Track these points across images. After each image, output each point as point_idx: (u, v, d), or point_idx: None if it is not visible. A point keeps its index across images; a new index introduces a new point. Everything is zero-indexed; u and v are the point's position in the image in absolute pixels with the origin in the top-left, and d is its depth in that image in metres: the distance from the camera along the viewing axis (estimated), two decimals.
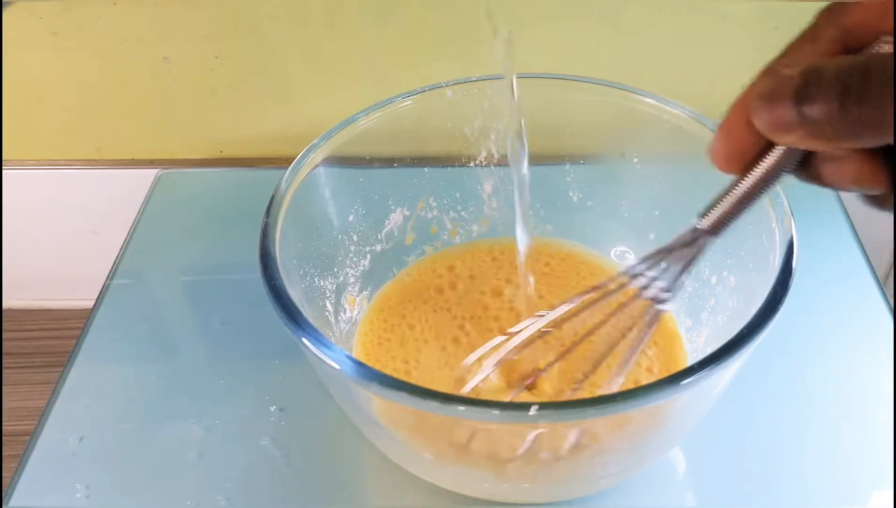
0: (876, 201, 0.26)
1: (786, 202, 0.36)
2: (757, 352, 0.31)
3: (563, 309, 0.35)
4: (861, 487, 0.39)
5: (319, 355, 0.31)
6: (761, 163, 0.26)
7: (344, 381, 0.32)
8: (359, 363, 0.31)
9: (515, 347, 0.36)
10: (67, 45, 0.56)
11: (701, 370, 0.29)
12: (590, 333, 0.36)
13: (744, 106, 0.25)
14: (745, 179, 0.27)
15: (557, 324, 0.35)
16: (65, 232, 0.65)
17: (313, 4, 0.54)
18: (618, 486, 0.38)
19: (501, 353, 0.36)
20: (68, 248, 0.66)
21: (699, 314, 0.42)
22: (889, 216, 0.58)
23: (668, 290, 0.31)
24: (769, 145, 0.25)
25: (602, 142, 0.46)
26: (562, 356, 0.37)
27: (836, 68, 0.22)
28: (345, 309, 0.44)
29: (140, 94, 0.59)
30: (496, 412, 0.29)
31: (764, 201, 0.37)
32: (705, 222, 0.29)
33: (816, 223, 0.52)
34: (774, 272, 0.33)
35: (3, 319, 0.66)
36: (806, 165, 0.26)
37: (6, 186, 0.63)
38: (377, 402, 0.33)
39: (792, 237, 0.34)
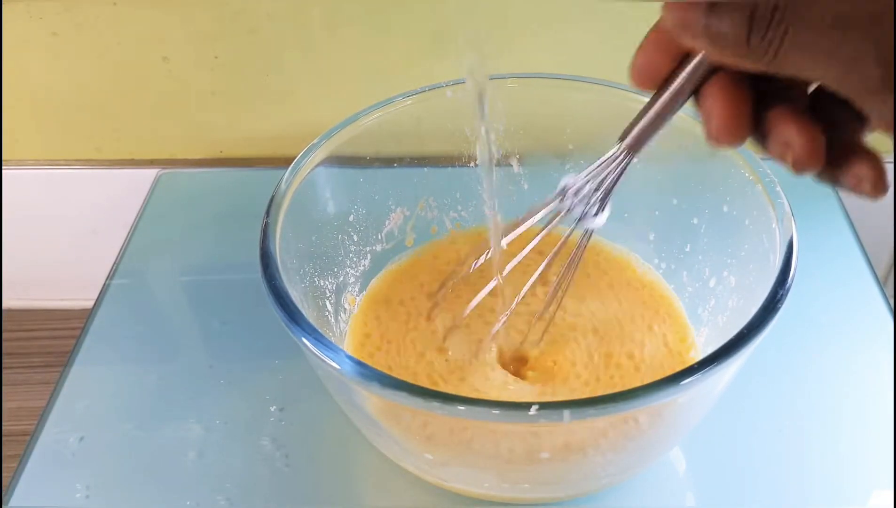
0: (819, 177, 0.27)
1: (786, 203, 0.36)
2: (757, 352, 0.31)
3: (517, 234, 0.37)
4: (861, 487, 0.39)
5: (319, 355, 0.31)
6: (670, 81, 0.28)
7: (344, 381, 0.32)
8: (359, 363, 0.31)
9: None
10: (67, 45, 0.56)
11: (701, 370, 0.29)
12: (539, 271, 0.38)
13: (659, 29, 0.27)
14: (658, 97, 0.29)
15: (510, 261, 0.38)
16: (65, 232, 0.65)
17: (313, 4, 0.54)
18: (618, 486, 0.38)
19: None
20: (68, 248, 0.66)
21: (699, 314, 0.42)
22: (889, 216, 0.58)
23: (598, 209, 0.34)
24: (679, 66, 0.27)
25: (602, 142, 0.46)
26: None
27: None
28: (345, 309, 0.44)
29: (140, 94, 0.59)
30: (496, 411, 0.29)
31: (764, 201, 0.37)
32: (626, 141, 0.31)
33: (816, 223, 0.52)
34: (774, 272, 0.33)
35: (3, 319, 0.66)
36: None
37: (6, 186, 0.63)
38: (377, 402, 0.33)
39: (792, 237, 0.34)
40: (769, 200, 0.37)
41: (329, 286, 0.42)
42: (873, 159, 0.26)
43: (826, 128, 0.26)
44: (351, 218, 0.44)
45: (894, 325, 0.46)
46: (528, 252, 0.38)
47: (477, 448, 0.34)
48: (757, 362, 0.34)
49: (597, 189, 0.33)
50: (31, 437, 0.42)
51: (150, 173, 0.60)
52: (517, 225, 0.37)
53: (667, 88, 0.28)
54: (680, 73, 0.27)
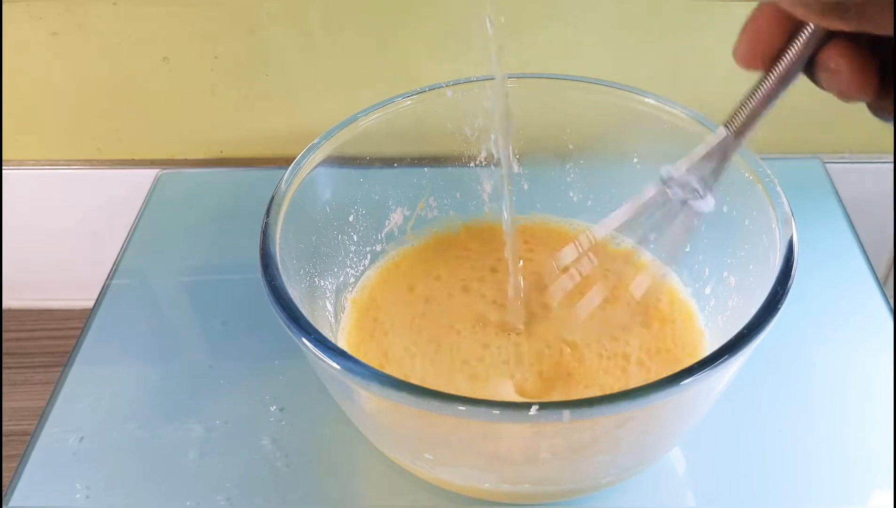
0: (875, 110, 0.27)
1: (786, 203, 0.36)
2: (757, 352, 0.31)
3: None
4: (861, 487, 0.39)
5: (319, 355, 0.31)
6: (783, 56, 0.27)
7: (344, 381, 0.32)
8: (359, 364, 0.31)
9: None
10: (67, 45, 0.56)
11: (701, 370, 0.29)
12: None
13: (765, 6, 0.27)
14: (770, 75, 0.28)
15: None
16: (65, 232, 0.65)
17: (313, 4, 0.54)
18: (618, 486, 0.38)
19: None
20: (68, 248, 0.66)
21: (699, 314, 0.42)
22: (889, 217, 0.58)
23: (705, 191, 0.33)
24: (787, 44, 0.27)
25: (602, 142, 0.46)
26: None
27: None
28: (345, 309, 0.44)
29: (140, 94, 0.59)
30: (496, 411, 0.29)
31: (764, 201, 0.37)
32: (734, 126, 0.30)
33: (816, 223, 0.52)
34: (774, 272, 0.33)
35: (3, 319, 0.66)
36: (810, 70, 0.27)
37: (6, 186, 0.63)
38: (377, 402, 0.33)
39: (792, 237, 0.34)
40: (769, 200, 0.37)
41: (329, 286, 0.42)
42: (855, 56, 0.26)
43: None
44: (351, 218, 0.44)
45: (894, 325, 0.46)
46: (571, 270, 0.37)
47: (477, 448, 0.34)
48: (757, 362, 0.34)
49: (704, 175, 0.32)
50: (31, 437, 0.42)
51: (150, 173, 0.60)
52: (617, 217, 0.36)
53: (780, 62, 0.27)
54: (795, 43, 0.27)
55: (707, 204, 0.33)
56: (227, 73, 0.57)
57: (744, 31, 0.28)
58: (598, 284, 0.39)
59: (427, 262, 0.47)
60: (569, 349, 0.40)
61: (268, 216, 0.37)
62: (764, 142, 0.32)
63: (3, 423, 0.58)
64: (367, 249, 0.46)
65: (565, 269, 0.38)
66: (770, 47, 0.27)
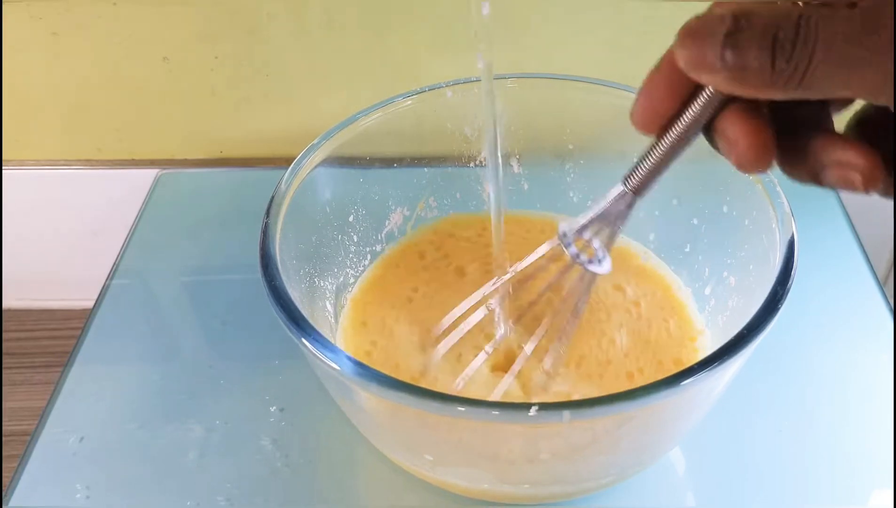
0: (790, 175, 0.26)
1: (786, 203, 0.36)
2: (757, 352, 0.31)
3: (516, 270, 0.36)
4: (861, 487, 0.39)
5: (319, 355, 0.31)
6: (679, 121, 0.26)
7: (343, 381, 0.32)
8: (358, 364, 0.31)
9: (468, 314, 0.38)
10: (67, 45, 0.56)
11: (701, 370, 0.29)
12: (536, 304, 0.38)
13: (663, 68, 0.26)
14: (664, 139, 0.27)
15: (509, 292, 0.38)
16: (65, 232, 0.65)
17: (313, 4, 0.54)
18: (618, 486, 0.38)
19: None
20: (68, 248, 0.66)
21: (699, 315, 0.42)
22: (889, 217, 0.58)
23: (602, 253, 0.32)
24: (685, 106, 0.26)
25: (602, 142, 0.46)
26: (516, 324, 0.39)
27: (768, 17, 0.22)
28: (345, 309, 0.44)
29: (140, 94, 0.59)
30: (496, 412, 0.29)
31: (764, 201, 0.37)
32: (630, 185, 0.30)
33: (816, 223, 0.52)
34: (774, 272, 0.33)
35: (3, 319, 0.66)
36: (707, 136, 0.27)
37: (6, 186, 0.63)
38: (376, 402, 0.33)
39: (792, 237, 0.34)
40: (769, 200, 0.37)
41: (329, 287, 0.42)
42: (862, 148, 0.25)
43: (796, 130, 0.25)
44: (351, 218, 0.44)
45: (894, 325, 0.46)
46: (537, 289, 0.37)
47: (477, 448, 0.34)
48: (757, 362, 0.34)
49: (598, 234, 0.32)
50: (31, 437, 0.43)
51: (150, 173, 0.60)
52: (518, 270, 0.36)
53: (674, 128, 0.27)
54: (690, 109, 0.26)
55: (602, 267, 0.32)
56: (227, 73, 0.57)
57: (640, 94, 0.27)
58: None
59: (430, 262, 0.47)
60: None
61: (268, 216, 0.37)
62: None
63: (3, 423, 0.58)
64: (367, 249, 0.46)
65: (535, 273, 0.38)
66: (665, 112, 0.26)
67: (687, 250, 0.44)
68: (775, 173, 0.38)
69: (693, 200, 0.43)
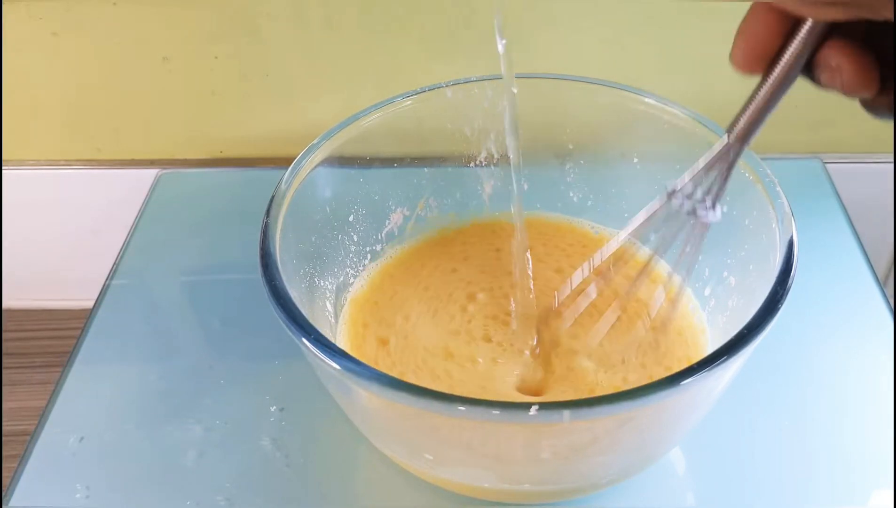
0: (873, 107, 0.27)
1: (786, 203, 0.36)
2: (757, 352, 0.31)
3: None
4: (861, 487, 0.39)
5: (319, 355, 0.31)
6: (782, 57, 0.27)
7: (344, 381, 0.32)
8: (358, 364, 0.31)
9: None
10: (67, 45, 0.56)
11: (701, 370, 0.29)
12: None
13: (759, 7, 0.26)
14: (767, 79, 0.28)
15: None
16: (65, 232, 0.65)
17: (313, 4, 0.54)
18: (618, 486, 0.38)
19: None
20: (68, 248, 0.66)
21: (699, 314, 0.42)
22: (889, 216, 0.58)
23: (713, 202, 0.32)
24: (784, 45, 0.27)
25: (602, 142, 0.46)
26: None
27: None
28: (345, 309, 0.44)
29: (140, 94, 0.59)
30: (496, 412, 0.29)
31: (764, 201, 0.37)
32: (735, 132, 0.30)
33: (816, 223, 0.52)
34: (774, 272, 0.33)
35: (3, 319, 0.66)
36: (808, 71, 0.27)
37: (6, 186, 0.63)
38: (376, 402, 0.33)
39: (792, 237, 0.34)
40: (769, 200, 0.37)
41: (329, 286, 0.42)
42: (855, 52, 0.26)
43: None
44: (351, 218, 0.44)
45: (894, 325, 0.46)
46: (589, 275, 0.37)
47: (477, 448, 0.34)
48: (757, 362, 0.34)
49: (710, 184, 0.32)
50: (31, 437, 0.42)
51: (150, 173, 0.60)
52: (625, 232, 0.36)
53: (778, 64, 0.27)
54: (792, 43, 0.26)
55: (714, 215, 0.33)
56: (227, 73, 0.57)
57: (739, 34, 0.27)
58: (612, 302, 0.39)
59: (428, 262, 0.47)
60: (573, 356, 0.40)
61: (268, 216, 0.37)
62: (764, 142, 0.32)
63: (3, 423, 0.58)
64: (367, 249, 0.46)
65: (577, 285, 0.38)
66: (767, 50, 0.27)
67: (687, 250, 0.44)
68: (776, 173, 0.38)
69: None
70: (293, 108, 0.59)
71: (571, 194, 0.48)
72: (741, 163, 0.38)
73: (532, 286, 0.42)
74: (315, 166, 0.41)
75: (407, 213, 0.47)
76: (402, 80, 0.57)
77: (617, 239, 0.36)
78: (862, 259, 0.50)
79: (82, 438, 0.42)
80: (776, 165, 0.38)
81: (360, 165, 0.44)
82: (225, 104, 0.59)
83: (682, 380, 0.29)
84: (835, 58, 0.26)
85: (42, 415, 0.44)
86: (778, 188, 0.37)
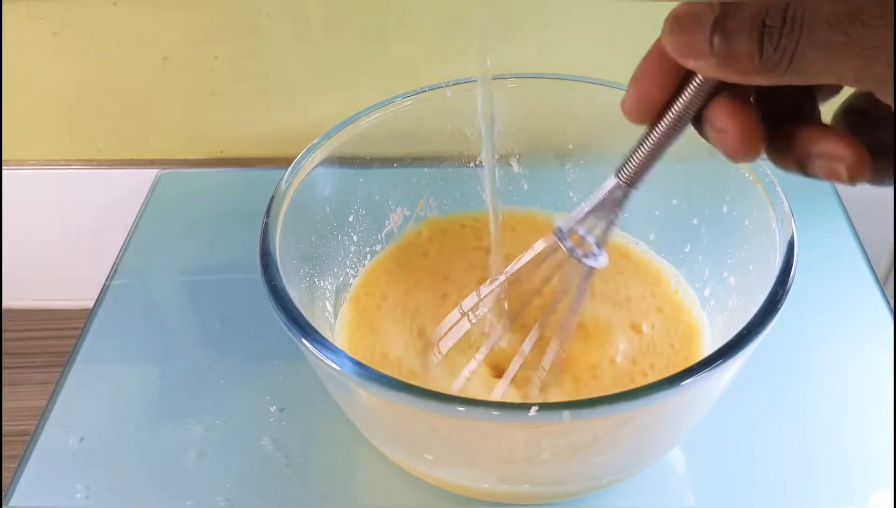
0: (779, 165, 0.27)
1: (786, 203, 0.36)
2: (757, 352, 0.31)
3: (511, 270, 0.36)
4: (861, 487, 0.39)
5: (319, 356, 0.31)
6: (669, 110, 0.27)
7: (344, 382, 0.32)
8: (358, 364, 0.31)
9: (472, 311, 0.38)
10: (67, 45, 0.56)
11: (701, 370, 0.29)
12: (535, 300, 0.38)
13: (653, 57, 0.26)
14: (655, 129, 0.28)
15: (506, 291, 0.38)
16: (65, 232, 0.65)
17: (313, 4, 0.54)
18: (618, 486, 0.38)
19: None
20: (68, 248, 0.66)
21: (699, 314, 0.42)
22: (889, 216, 0.58)
23: (598, 246, 0.33)
24: (676, 94, 0.26)
25: (602, 142, 0.46)
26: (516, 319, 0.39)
27: (756, 4, 0.22)
28: (345, 309, 0.44)
29: (140, 94, 0.59)
30: (496, 412, 0.29)
31: (764, 201, 0.37)
32: (623, 177, 0.30)
33: (816, 223, 0.52)
34: (774, 273, 0.33)
35: (3, 319, 0.66)
36: (697, 126, 0.27)
37: (6, 186, 0.63)
38: (376, 402, 0.33)
39: (792, 237, 0.34)
40: (769, 200, 0.37)
41: (329, 287, 0.42)
42: (849, 139, 0.25)
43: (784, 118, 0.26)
44: (351, 218, 0.44)
45: (894, 325, 0.46)
46: (534, 287, 0.37)
47: (477, 448, 0.34)
48: (757, 362, 0.34)
49: (593, 228, 0.32)
50: (31, 437, 0.42)
51: (150, 173, 0.60)
52: (515, 270, 0.36)
53: (665, 117, 0.27)
54: (680, 98, 0.26)
55: (598, 261, 0.33)
56: (227, 73, 0.57)
57: (630, 84, 0.27)
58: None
59: (428, 262, 0.47)
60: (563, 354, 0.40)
61: (268, 216, 0.37)
62: None
63: (3, 423, 0.58)
64: (367, 249, 0.46)
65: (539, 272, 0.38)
66: (655, 102, 0.27)
67: (687, 249, 0.44)
68: (776, 173, 0.38)
69: (693, 200, 0.43)
70: (293, 108, 0.59)
71: (571, 194, 0.48)
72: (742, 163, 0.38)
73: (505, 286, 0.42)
74: (315, 166, 0.41)
75: (407, 213, 0.47)
76: (402, 80, 0.57)
77: (509, 269, 0.36)
78: (862, 259, 0.50)
79: (82, 438, 0.42)
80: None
81: (360, 165, 0.44)
82: (225, 104, 0.59)
83: (682, 380, 0.29)
84: (721, 119, 0.25)
85: (42, 415, 0.44)
86: (778, 188, 0.37)
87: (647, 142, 0.28)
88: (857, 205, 0.54)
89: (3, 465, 0.54)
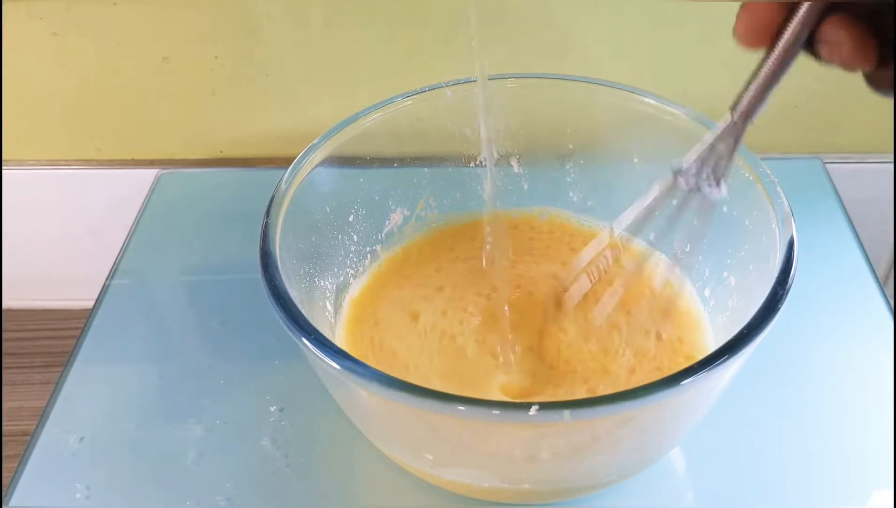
0: (874, 82, 0.28)
1: (786, 203, 0.36)
2: (757, 352, 0.31)
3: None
4: (861, 487, 0.39)
5: (319, 355, 0.31)
6: (783, 34, 0.27)
7: (343, 381, 0.32)
8: (359, 364, 0.31)
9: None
10: (67, 45, 0.56)
11: (701, 370, 0.29)
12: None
13: None
14: (770, 55, 0.28)
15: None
16: (65, 232, 0.65)
17: (313, 4, 0.54)
18: (618, 486, 0.38)
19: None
20: (68, 248, 0.66)
21: (699, 314, 0.42)
22: (889, 216, 0.58)
23: (717, 180, 0.33)
24: (786, 20, 0.27)
25: (602, 142, 0.46)
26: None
27: None
28: (345, 309, 0.44)
29: (140, 94, 0.59)
30: (496, 411, 0.29)
31: (764, 201, 0.37)
32: (739, 110, 0.30)
33: (816, 223, 0.52)
34: (774, 273, 0.33)
35: (3, 319, 0.66)
36: (810, 46, 0.28)
37: (6, 186, 0.63)
38: (377, 402, 0.33)
39: (792, 237, 0.34)
40: (769, 200, 0.37)
41: (329, 286, 0.42)
42: (852, 26, 0.26)
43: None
44: (351, 218, 0.44)
45: (894, 325, 0.46)
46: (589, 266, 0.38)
47: (477, 448, 0.34)
48: (757, 362, 0.34)
49: (714, 163, 0.32)
50: (31, 437, 0.42)
51: (150, 173, 0.60)
52: (632, 211, 0.36)
53: (780, 41, 0.27)
54: (794, 20, 0.27)
55: (720, 193, 0.33)
56: (227, 73, 0.57)
57: (742, 9, 0.28)
58: (613, 287, 0.39)
59: (428, 262, 0.47)
60: (569, 350, 0.40)
61: (268, 216, 0.37)
62: (764, 142, 0.32)
63: (3, 423, 0.58)
64: (367, 249, 0.46)
65: (581, 271, 0.38)
66: (769, 24, 0.27)
67: (687, 249, 0.44)
68: (776, 174, 0.38)
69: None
70: (293, 108, 0.59)
71: (571, 194, 0.48)
72: (741, 163, 0.38)
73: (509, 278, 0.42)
74: (315, 166, 0.41)
75: (407, 213, 0.47)
76: (402, 80, 0.57)
77: (624, 217, 0.36)
78: (862, 259, 0.50)
79: (82, 438, 0.42)
80: (776, 165, 0.38)
81: (360, 165, 0.44)
82: (225, 104, 0.59)
83: (682, 380, 0.29)
84: (834, 33, 0.26)
85: (42, 415, 0.44)
86: (778, 188, 0.37)
87: (763, 69, 0.29)
88: (857, 205, 0.54)
89: (3, 465, 0.54)
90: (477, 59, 0.35)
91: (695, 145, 0.33)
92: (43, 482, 0.40)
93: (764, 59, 0.28)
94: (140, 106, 0.60)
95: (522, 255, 0.46)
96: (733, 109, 0.30)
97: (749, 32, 0.28)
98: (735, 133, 0.31)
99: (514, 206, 0.48)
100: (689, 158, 0.33)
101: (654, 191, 0.35)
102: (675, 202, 0.34)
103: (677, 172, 0.34)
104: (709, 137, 0.32)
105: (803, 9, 0.27)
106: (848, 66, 0.27)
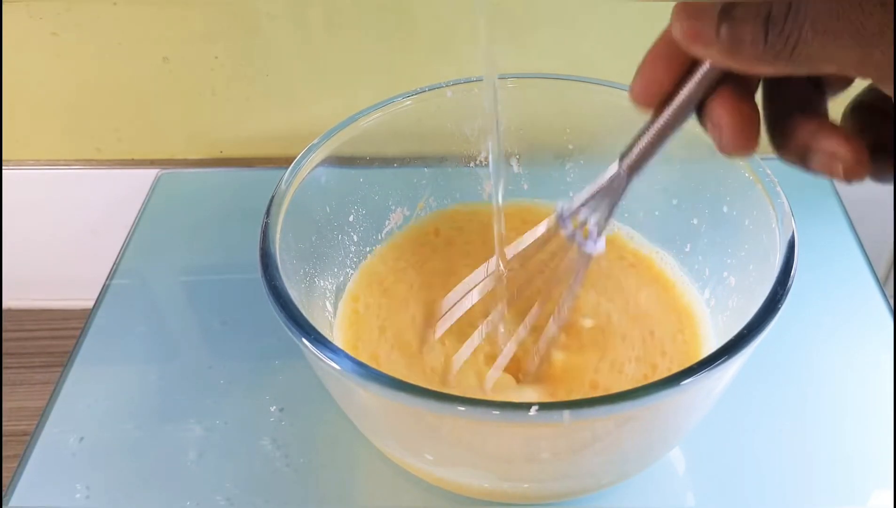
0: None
1: (786, 203, 0.36)
2: (757, 352, 0.31)
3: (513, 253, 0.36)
4: (861, 487, 0.39)
5: (319, 355, 0.31)
6: (674, 98, 0.27)
7: (344, 381, 0.32)
8: (359, 364, 0.31)
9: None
10: (67, 45, 0.56)
11: (701, 370, 0.29)
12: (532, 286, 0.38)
13: (661, 44, 0.27)
14: (660, 116, 0.28)
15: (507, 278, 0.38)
16: (65, 232, 0.65)
17: (313, 4, 0.54)
18: (618, 486, 0.38)
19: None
20: (68, 248, 0.66)
21: (700, 314, 0.42)
22: (889, 216, 0.58)
23: (597, 233, 0.33)
24: (682, 82, 0.27)
25: (602, 142, 0.46)
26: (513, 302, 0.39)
27: None
28: (344, 309, 0.44)
29: (140, 94, 0.59)
30: (496, 412, 0.29)
31: (764, 201, 0.37)
32: (625, 163, 0.30)
33: (816, 223, 0.52)
34: (774, 273, 0.33)
35: (3, 319, 0.66)
36: (699, 116, 0.27)
37: (6, 186, 0.63)
38: (376, 402, 0.33)
39: (792, 237, 0.34)
40: (769, 200, 0.37)
41: (329, 286, 0.42)
42: (849, 138, 0.25)
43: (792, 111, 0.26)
44: (351, 218, 0.44)
45: (894, 325, 0.46)
46: (532, 273, 0.37)
47: (477, 448, 0.34)
48: (757, 362, 0.34)
49: (595, 212, 0.32)
50: (31, 437, 0.43)
51: (150, 173, 0.60)
52: (517, 247, 0.36)
53: (670, 105, 0.27)
54: (685, 86, 0.26)
55: (595, 246, 0.33)
56: (227, 73, 0.57)
57: (639, 70, 0.27)
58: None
59: (428, 262, 0.47)
60: (562, 355, 0.40)
61: (268, 216, 0.37)
62: (764, 142, 0.32)
63: (3, 423, 0.58)
64: (368, 248, 0.46)
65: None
66: (662, 89, 0.27)
67: (687, 249, 0.44)
68: (776, 173, 0.38)
69: (693, 200, 0.43)
70: (293, 108, 0.59)
71: (571, 194, 0.48)
72: (742, 163, 0.38)
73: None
74: (315, 166, 0.41)
75: (407, 213, 0.47)
76: (402, 80, 0.57)
77: (509, 251, 0.36)
78: (862, 259, 0.50)
79: (82, 438, 0.42)
80: (776, 165, 0.38)
81: (360, 165, 0.44)
82: (225, 104, 0.59)
83: (682, 380, 0.29)
84: (717, 112, 0.26)
85: (42, 415, 0.44)
86: (778, 188, 0.37)
87: (650, 129, 0.29)
88: (857, 205, 0.54)
89: (3, 465, 0.54)
90: (484, 49, 0.35)
91: (582, 189, 0.32)
92: (43, 482, 0.41)
93: (653, 119, 0.28)
94: (140, 106, 0.60)
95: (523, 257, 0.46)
96: (621, 160, 0.30)
97: (643, 94, 0.27)
98: (620, 184, 0.31)
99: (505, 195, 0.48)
100: (573, 203, 0.33)
101: (537, 230, 0.34)
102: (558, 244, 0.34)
103: (559, 217, 0.33)
104: (594, 185, 0.32)
105: (695, 77, 0.26)
106: (723, 150, 0.26)
